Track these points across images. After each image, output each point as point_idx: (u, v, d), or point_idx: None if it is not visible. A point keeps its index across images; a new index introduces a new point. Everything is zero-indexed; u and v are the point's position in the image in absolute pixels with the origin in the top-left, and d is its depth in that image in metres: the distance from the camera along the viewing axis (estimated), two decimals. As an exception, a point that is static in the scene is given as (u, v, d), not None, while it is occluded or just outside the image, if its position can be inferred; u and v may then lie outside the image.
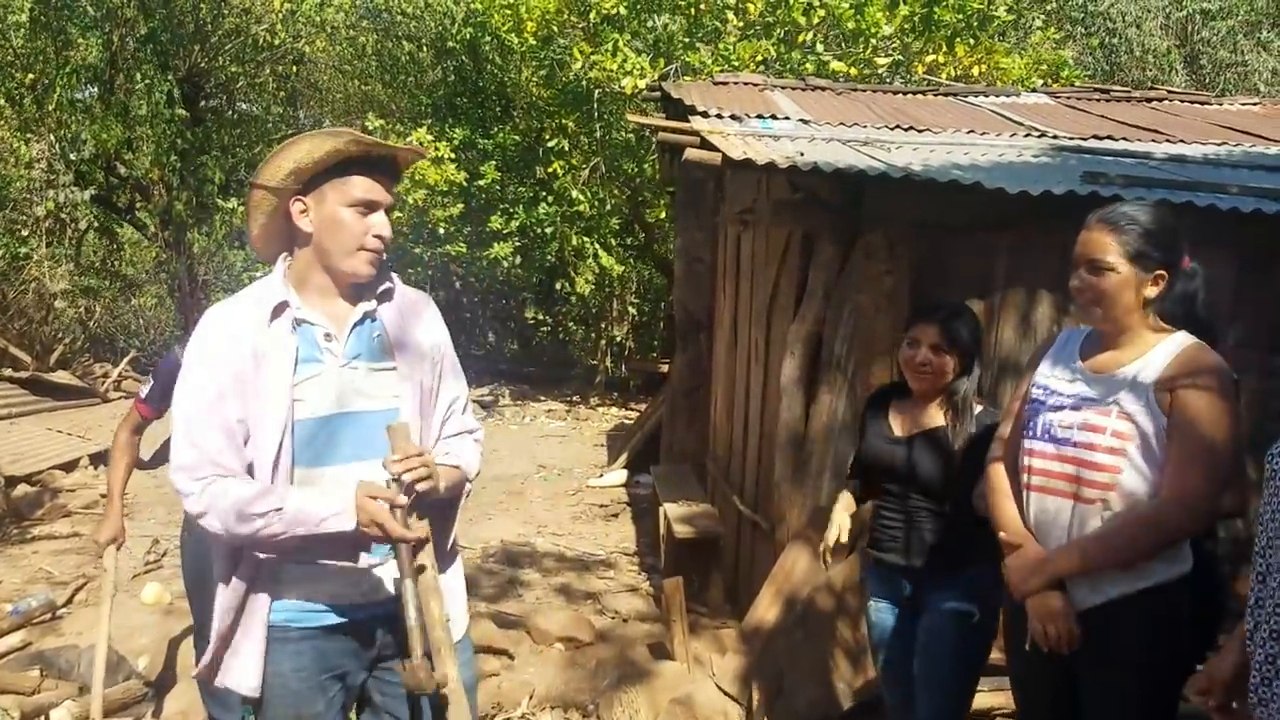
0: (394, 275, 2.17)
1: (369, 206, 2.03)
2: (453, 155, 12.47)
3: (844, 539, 3.08)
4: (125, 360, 12.73)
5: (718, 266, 6.92)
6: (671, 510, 5.71)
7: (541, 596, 5.61)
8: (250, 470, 1.98)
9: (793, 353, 4.59)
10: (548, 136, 12.83)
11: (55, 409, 9.62)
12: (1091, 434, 2.28)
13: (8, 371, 10.42)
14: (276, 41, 14.67)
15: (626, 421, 11.67)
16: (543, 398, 13.85)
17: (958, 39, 10.48)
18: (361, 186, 2.02)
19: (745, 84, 7.56)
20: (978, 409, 2.94)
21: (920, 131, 5.87)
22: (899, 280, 4.26)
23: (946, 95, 7.85)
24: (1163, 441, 2.22)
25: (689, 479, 6.62)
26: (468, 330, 17.69)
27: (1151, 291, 2.26)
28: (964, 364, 2.92)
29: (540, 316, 18.58)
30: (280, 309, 2.01)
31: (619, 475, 8.68)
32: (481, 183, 12.82)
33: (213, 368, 1.97)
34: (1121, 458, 2.24)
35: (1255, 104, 8.18)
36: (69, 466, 8.15)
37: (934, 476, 2.92)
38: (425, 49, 14.55)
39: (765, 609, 4.35)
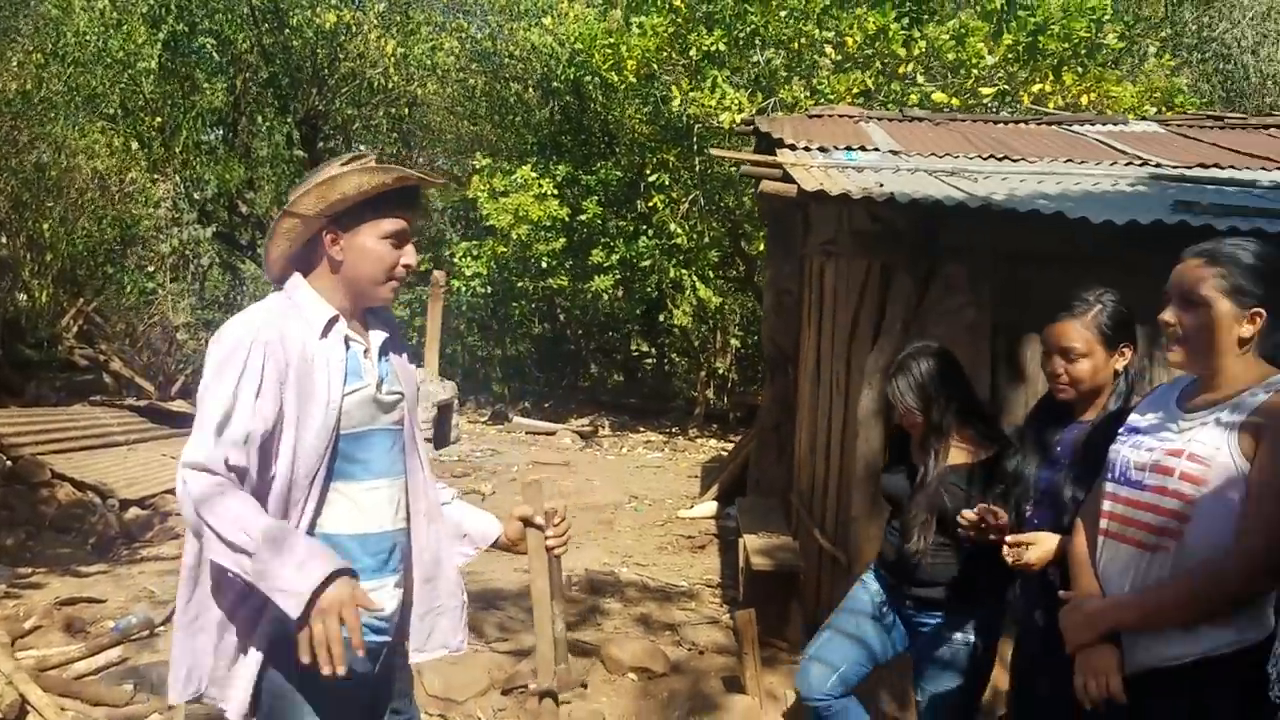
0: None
1: (401, 238, 2.13)
2: (555, 191, 12.75)
3: None
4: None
5: (804, 299, 6.87)
6: (751, 542, 5.66)
7: (620, 626, 5.62)
8: (272, 477, 1.99)
9: (870, 384, 4.53)
10: (649, 171, 13.01)
11: (171, 436, 10.03)
12: (1162, 477, 2.11)
13: (129, 400, 10.96)
14: (390, 85, 15.27)
15: (724, 453, 11.60)
16: (642, 429, 13.91)
17: (1064, 67, 10.24)
18: (396, 220, 2.11)
19: (840, 116, 7.51)
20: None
21: (1015, 161, 5.75)
22: (981, 313, 4.17)
23: (1050, 124, 7.67)
24: (1242, 491, 2.00)
25: (774, 512, 6.56)
26: (571, 362, 17.90)
27: (1247, 330, 2.06)
28: (928, 411, 3.00)
29: (645, 349, 18.69)
30: (333, 323, 2.10)
31: (709, 507, 8.64)
32: (584, 217, 13.07)
33: (259, 362, 1.97)
34: (1189, 504, 2.05)
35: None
36: (180, 491, 8.48)
37: None
38: (532, 89, 14.92)
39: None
